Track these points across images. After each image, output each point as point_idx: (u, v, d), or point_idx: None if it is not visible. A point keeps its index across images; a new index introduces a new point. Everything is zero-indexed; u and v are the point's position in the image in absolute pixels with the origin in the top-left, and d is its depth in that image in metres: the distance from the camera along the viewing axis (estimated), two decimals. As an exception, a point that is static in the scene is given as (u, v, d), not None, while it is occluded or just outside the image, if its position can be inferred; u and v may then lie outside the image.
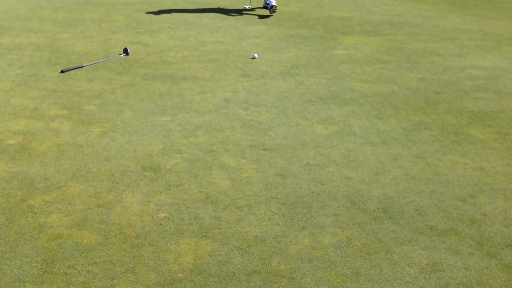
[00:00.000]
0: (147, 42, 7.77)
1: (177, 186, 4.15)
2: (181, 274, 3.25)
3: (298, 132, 5.17)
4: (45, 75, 6.31)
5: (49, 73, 6.38)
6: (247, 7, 10.10)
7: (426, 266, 3.42)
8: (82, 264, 3.29)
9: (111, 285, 3.14)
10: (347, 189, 4.24)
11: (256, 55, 7.24)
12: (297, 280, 3.25)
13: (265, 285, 3.20)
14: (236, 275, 3.27)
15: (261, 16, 9.59)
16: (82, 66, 6.55)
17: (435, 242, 3.66)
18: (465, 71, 7.14)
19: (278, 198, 4.07)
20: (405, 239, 3.67)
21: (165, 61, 6.98)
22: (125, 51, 7.05)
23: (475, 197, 4.22)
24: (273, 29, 8.78)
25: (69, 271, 3.24)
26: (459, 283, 3.29)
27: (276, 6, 9.73)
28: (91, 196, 3.99)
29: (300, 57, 7.39)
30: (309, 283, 3.23)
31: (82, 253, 3.39)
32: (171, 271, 3.27)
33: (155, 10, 9.81)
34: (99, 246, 3.46)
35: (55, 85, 6.03)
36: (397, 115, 5.65)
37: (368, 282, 3.26)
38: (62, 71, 6.33)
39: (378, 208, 4.00)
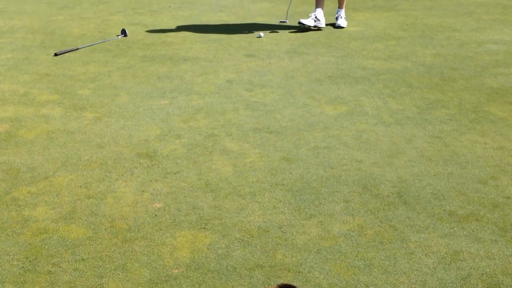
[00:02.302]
0: (147, 22, 7.44)
1: (175, 174, 3.84)
2: (176, 270, 2.95)
3: (305, 113, 4.84)
4: (38, 59, 6.01)
5: (42, 57, 6.08)
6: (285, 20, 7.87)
7: (445, 255, 3.10)
8: (68, 261, 2.99)
9: (99, 284, 2.85)
10: (358, 173, 3.91)
11: (262, 34, 6.90)
12: (304, 274, 2.94)
13: (268, 280, 2.89)
14: (237, 269, 2.96)
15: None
16: (77, 49, 6.24)
17: (455, 229, 3.33)
18: (483, 46, 6.77)
19: (283, 184, 3.75)
20: (421, 226, 3.35)
21: (165, 41, 6.66)
22: (123, 32, 6.73)
23: (497, 179, 3.88)
24: (280, 7, 8.42)
25: (53, 269, 2.94)
26: (482, 273, 2.97)
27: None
28: (80, 186, 3.69)
29: (308, 34, 7.05)
30: (317, 277, 2.92)
31: (69, 249, 3.09)
32: (166, 267, 2.97)
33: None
34: (88, 241, 3.16)
35: (48, 69, 5.73)
36: (411, 93, 5.30)
37: (382, 274, 2.94)
38: (55, 54, 6.03)
39: (392, 193, 3.68)
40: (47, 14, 7.80)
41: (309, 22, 7.27)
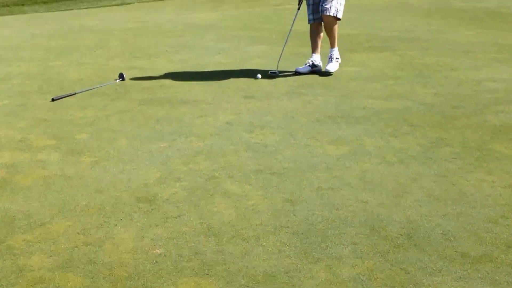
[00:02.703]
0: (144, 66, 7.40)
1: (175, 218, 3.72)
2: (179, 320, 2.81)
3: (307, 153, 4.74)
4: (35, 104, 5.93)
5: (39, 102, 6.00)
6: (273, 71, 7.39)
7: (461, 300, 2.98)
8: (66, 312, 2.86)
9: (98, 337, 2.71)
10: (364, 214, 3.79)
11: (259, 76, 6.86)
12: (313, 323, 2.80)
13: (276, 331, 2.75)
14: (243, 319, 2.83)
15: (264, 37, 9.24)
16: (75, 93, 6.17)
17: (468, 271, 3.20)
18: (482, 84, 6.73)
19: (288, 227, 3.63)
20: (434, 268, 3.22)
21: (163, 85, 6.60)
22: (121, 77, 6.68)
23: (508, 218, 3.76)
24: (277, 48, 8.40)
25: (50, 321, 2.80)
26: (502, 319, 2.84)
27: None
28: (78, 233, 3.56)
29: (306, 75, 7.00)
30: (328, 326, 2.79)
31: (66, 299, 2.96)
32: (168, 317, 2.83)
33: (153, 34, 9.48)
34: (86, 291, 3.02)
35: (45, 114, 5.64)
36: (413, 132, 5.22)
37: (396, 321, 2.81)
38: (53, 99, 5.96)
39: (401, 235, 3.56)
40: (45, 60, 7.76)
41: (305, 69, 7.21)
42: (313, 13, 7.21)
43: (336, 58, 7.37)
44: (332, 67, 7.28)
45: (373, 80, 6.89)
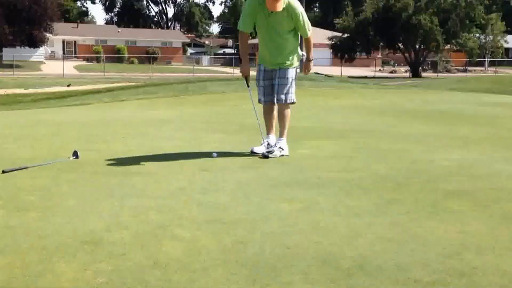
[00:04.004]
0: (100, 148, 7.37)
1: (121, 255, 3.57)
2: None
3: (260, 209, 4.68)
4: (-16, 175, 5.80)
5: (-12, 174, 5.87)
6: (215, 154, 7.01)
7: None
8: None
9: None
10: (316, 251, 3.70)
11: (215, 154, 6.86)
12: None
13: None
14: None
15: (221, 128, 9.35)
16: (27, 168, 6.06)
17: (422, 292, 3.12)
18: (435, 162, 6.83)
19: (237, 261, 3.51)
20: (387, 291, 3.13)
21: (118, 161, 6.55)
22: (75, 154, 6.61)
23: (462, 254, 3.72)
24: (233, 137, 8.50)
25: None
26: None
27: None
28: (17, 267, 3.38)
29: (262, 158, 7.00)
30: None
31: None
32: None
33: (111, 126, 9.54)
34: (19, 311, 2.84)
35: (-7, 181, 5.51)
36: (367, 194, 5.22)
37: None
38: (3, 171, 5.83)
39: (353, 266, 3.47)
40: (-2, 146, 7.68)
41: (260, 150, 7.10)
42: (264, 95, 7.27)
43: (280, 148, 7.04)
44: (276, 152, 6.96)
45: (328, 159, 6.95)
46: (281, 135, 7.21)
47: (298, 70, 7.49)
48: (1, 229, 4.09)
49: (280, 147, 7.07)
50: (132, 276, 3.26)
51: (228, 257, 3.56)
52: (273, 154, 6.92)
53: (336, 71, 41.65)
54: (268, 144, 7.11)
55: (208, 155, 6.92)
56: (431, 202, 4.97)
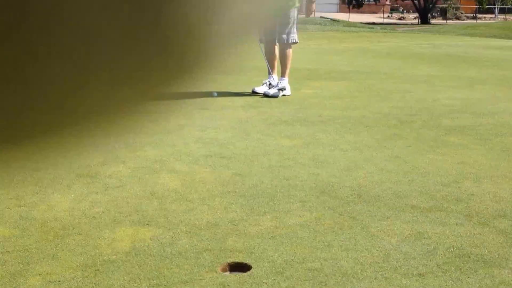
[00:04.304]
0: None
1: (117, 187, 3.55)
2: (114, 256, 2.63)
3: (260, 144, 4.64)
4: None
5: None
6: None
7: (409, 235, 2.85)
8: (-9, 256, 2.66)
9: (25, 270, 2.51)
10: (315, 182, 3.68)
11: (216, 94, 6.79)
12: (257, 254, 2.64)
13: (216, 260, 2.58)
14: (183, 254, 2.65)
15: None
16: None
17: (418, 217, 3.10)
18: (439, 101, 6.75)
19: (235, 192, 3.49)
20: (383, 216, 3.11)
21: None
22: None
23: (459, 182, 3.69)
24: (236, 76, 8.41)
25: (-27, 263, 2.60)
26: (449, 247, 2.72)
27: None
28: (11, 198, 3.37)
29: (263, 98, 6.93)
30: (272, 255, 2.62)
31: (-7, 246, 2.76)
32: (103, 254, 2.65)
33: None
34: (14, 238, 2.83)
35: None
36: (368, 130, 5.17)
37: (342, 251, 2.67)
38: None
39: (351, 195, 3.44)
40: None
41: (262, 89, 7.06)
42: (265, 34, 7.13)
43: (282, 89, 6.99)
44: (273, 92, 6.92)
45: (331, 98, 6.87)
46: (283, 74, 7.13)
47: (297, 12, 7.34)
48: (-1, 164, 4.08)
49: (282, 88, 7.01)
50: (129, 205, 3.24)
51: (226, 189, 3.54)
52: (271, 93, 6.87)
53: (343, 17, 40.98)
54: (270, 84, 7.04)
55: (207, 94, 6.85)
56: (433, 137, 4.92)
